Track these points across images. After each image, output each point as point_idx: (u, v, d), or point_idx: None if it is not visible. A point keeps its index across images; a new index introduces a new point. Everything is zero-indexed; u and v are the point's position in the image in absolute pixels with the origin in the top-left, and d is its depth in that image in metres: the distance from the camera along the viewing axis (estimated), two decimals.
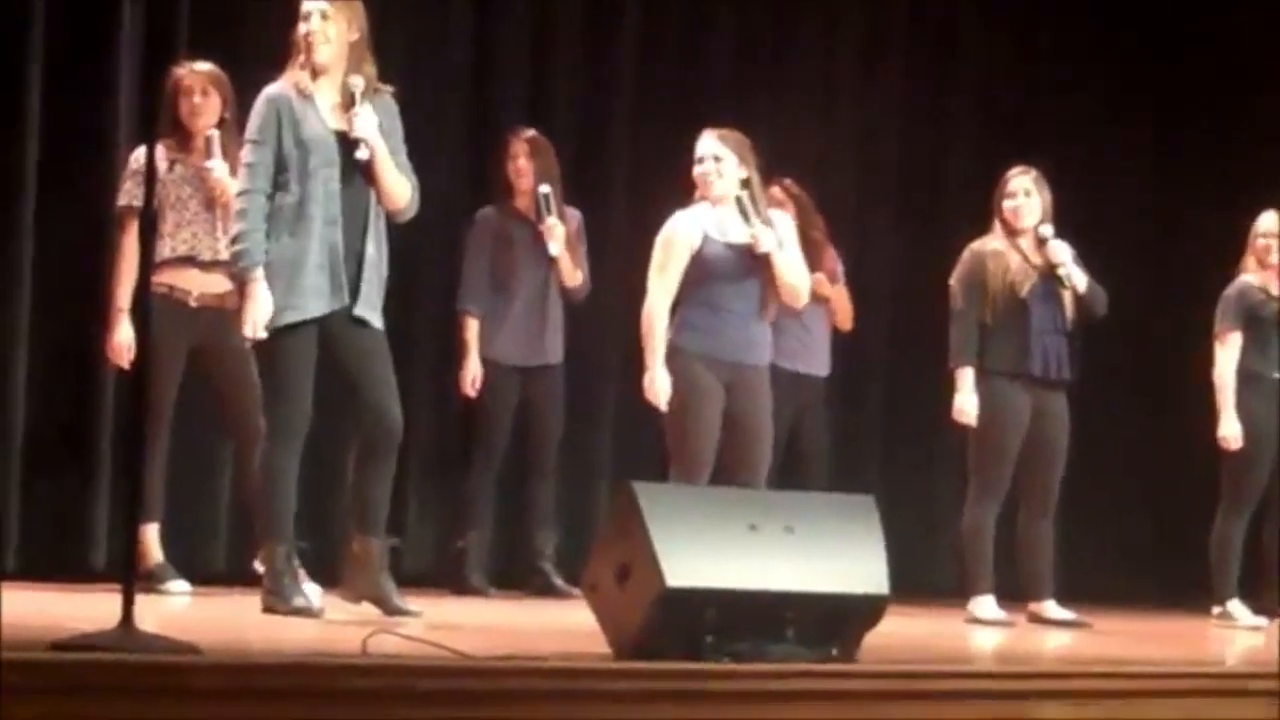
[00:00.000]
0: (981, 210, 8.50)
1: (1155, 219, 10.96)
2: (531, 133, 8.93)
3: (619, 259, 8.99)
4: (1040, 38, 11.10)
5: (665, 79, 9.96)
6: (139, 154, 7.65)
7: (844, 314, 9.48)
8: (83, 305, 8.07)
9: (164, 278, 7.66)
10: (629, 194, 9.57)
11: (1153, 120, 11.09)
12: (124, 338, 7.63)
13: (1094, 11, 11.11)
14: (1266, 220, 9.08)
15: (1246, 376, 8.89)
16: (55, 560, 7.98)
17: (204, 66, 7.82)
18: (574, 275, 8.87)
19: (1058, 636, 7.81)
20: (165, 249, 7.67)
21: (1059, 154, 9.44)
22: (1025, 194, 8.33)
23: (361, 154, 6.53)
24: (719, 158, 7.55)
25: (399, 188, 6.64)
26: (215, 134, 7.61)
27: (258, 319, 6.48)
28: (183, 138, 7.77)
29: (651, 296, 7.52)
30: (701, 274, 7.50)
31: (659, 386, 7.44)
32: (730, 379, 7.50)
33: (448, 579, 8.64)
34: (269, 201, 6.54)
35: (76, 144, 8.20)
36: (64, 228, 8.13)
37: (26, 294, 8.09)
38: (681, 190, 7.71)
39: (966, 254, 8.39)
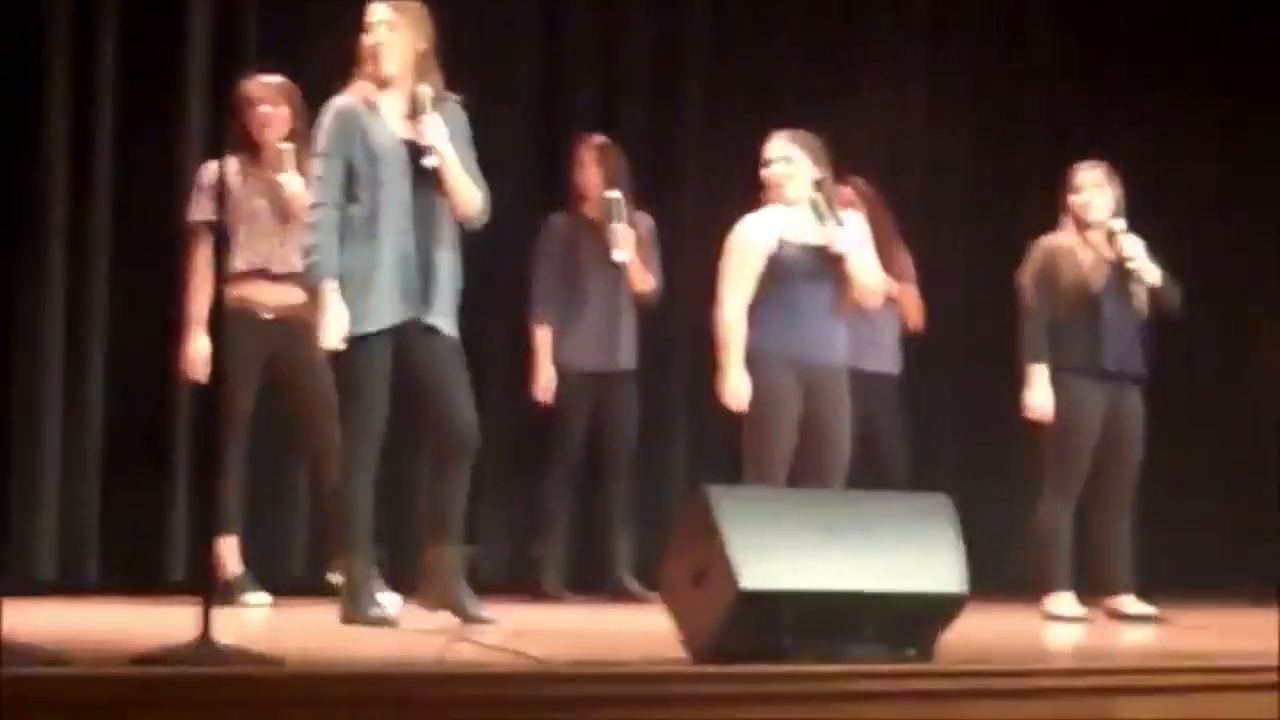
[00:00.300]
0: (1051, 206, 8.47)
1: (1226, 212, 10.89)
2: (600, 139, 8.94)
3: (691, 263, 8.96)
4: (1108, 31, 11.05)
5: (734, 81, 9.97)
6: (210, 168, 7.68)
7: (914, 313, 9.46)
8: (157, 319, 8.12)
9: (237, 290, 7.67)
10: (699, 198, 9.57)
11: (1222, 114, 11.02)
12: (199, 351, 7.66)
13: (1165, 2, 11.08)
14: None
15: None
16: (134, 573, 8.05)
17: (273, 78, 7.83)
18: (645, 280, 8.87)
19: (1137, 632, 7.78)
20: (238, 262, 7.70)
21: (1129, 148, 9.38)
22: (1096, 187, 8.30)
23: (430, 161, 6.55)
24: (790, 159, 7.54)
25: (469, 195, 6.66)
26: (288, 147, 7.61)
27: (333, 330, 6.50)
28: (253, 151, 7.79)
29: (725, 301, 7.51)
30: (777, 276, 7.49)
31: (738, 390, 7.43)
32: (809, 380, 7.50)
33: (524, 585, 8.67)
34: (340, 213, 6.56)
35: (147, 158, 8.26)
36: (137, 242, 8.20)
37: (102, 308, 8.14)
38: (752, 193, 7.71)
39: (1036, 250, 8.37)
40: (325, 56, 8.05)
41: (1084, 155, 8.50)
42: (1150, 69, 10.93)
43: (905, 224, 9.50)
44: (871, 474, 8.96)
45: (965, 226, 10.36)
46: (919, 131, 10.49)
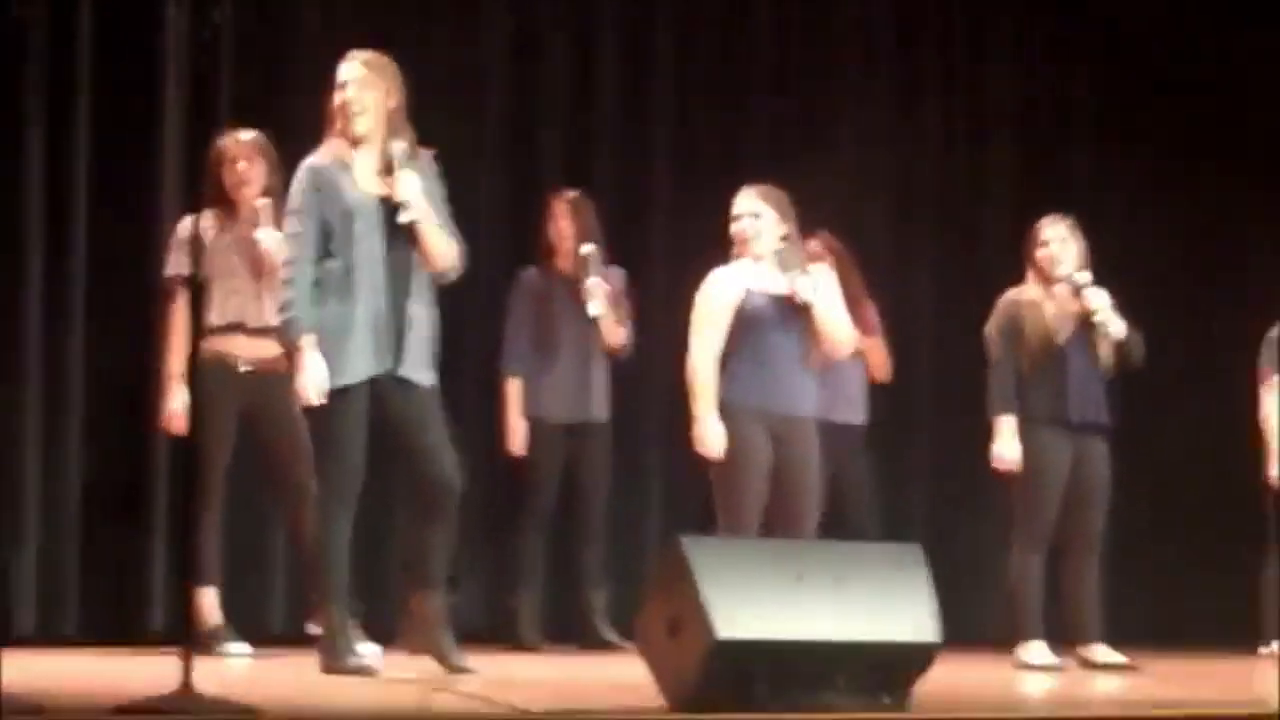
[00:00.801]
0: (1017, 260, 8.51)
1: (1193, 264, 10.93)
2: (573, 194, 8.96)
3: (661, 316, 9.00)
4: (1075, 86, 11.10)
5: (702, 136, 9.99)
6: (185, 224, 7.67)
7: (880, 365, 9.47)
8: (133, 372, 8.13)
9: (214, 344, 7.69)
10: (669, 251, 9.57)
11: (1184, 169, 11.06)
12: (178, 404, 7.66)
13: (1128, 58, 11.12)
14: None
15: None
16: (114, 624, 8.02)
17: (248, 134, 7.83)
18: (616, 334, 8.87)
19: (1108, 681, 7.78)
20: (214, 316, 7.72)
21: (1094, 201, 9.42)
22: (1060, 241, 8.33)
23: (404, 217, 6.56)
24: (758, 214, 7.57)
25: (443, 249, 6.66)
26: (264, 203, 7.61)
27: (312, 385, 6.51)
28: (229, 206, 7.79)
29: (695, 351, 7.53)
30: (746, 328, 7.51)
31: (712, 437, 7.44)
32: (779, 431, 7.51)
33: (501, 635, 8.65)
34: (315, 269, 6.58)
35: (122, 213, 8.25)
36: (113, 296, 8.19)
37: (78, 363, 8.13)
38: (721, 246, 7.74)
39: (1002, 303, 8.39)
40: (300, 111, 8.13)
41: (1049, 209, 8.55)
42: (1113, 125, 10.99)
43: (872, 277, 9.51)
44: (840, 524, 8.99)
45: (932, 280, 10.37)
46: (885, 186, 10.50)
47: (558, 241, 8.92)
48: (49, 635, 7.83)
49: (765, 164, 8.91)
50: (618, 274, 8.96)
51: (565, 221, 8.91)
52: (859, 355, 9.16)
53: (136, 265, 8.19)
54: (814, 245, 8.79)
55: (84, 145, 8.18)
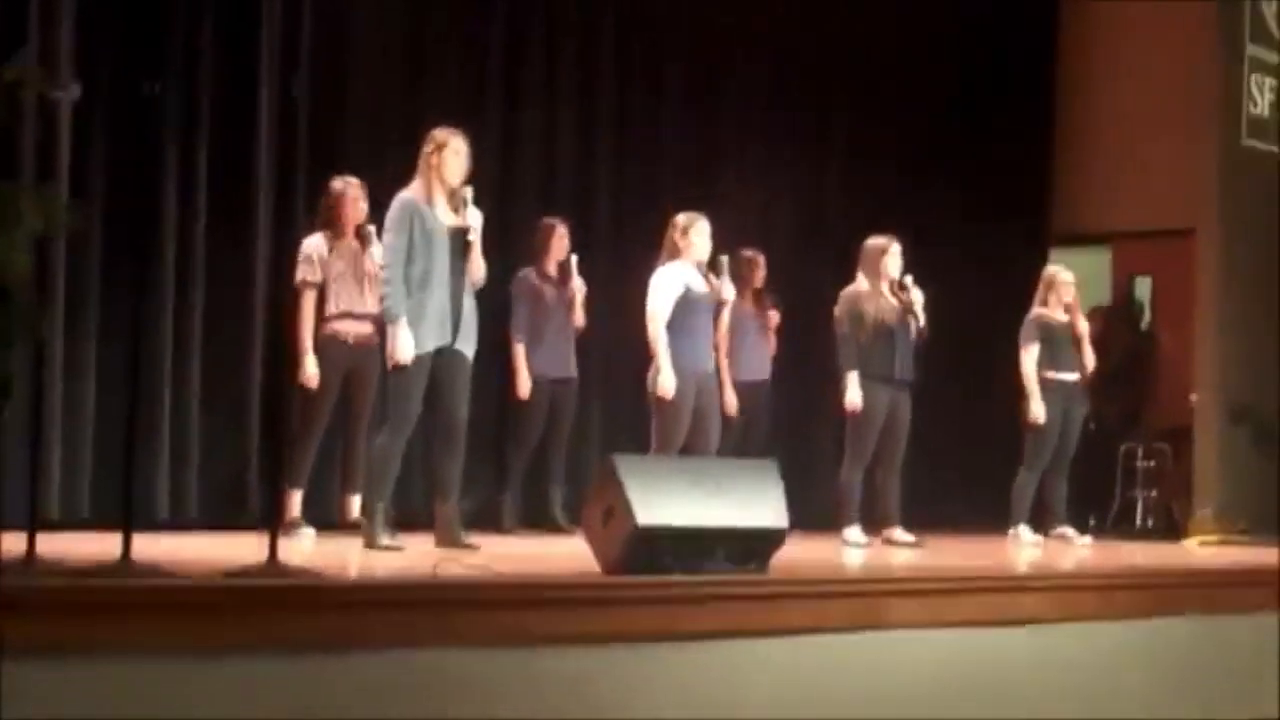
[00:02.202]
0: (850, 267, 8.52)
1: (976, 265, 10.94)
2: (559, 220, 8.92)
3: (603, 304, 9.03)
4: (893, 133, 11.06)
5: (633, 180, 9.92)
6: (307, 242, 7.71)
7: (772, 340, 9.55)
8: (237, 329, 8.12)
9: (329, 326, 7.74)
10: (612, 256, 9.52)
11: (966, 200, 11.09)
12: (312, 369, 7.69)
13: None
14: (1054, 270, 9.23)
15: (1042, 378, 8.96)
16: (223, 512, 7.96)
17: (352, 178, 7.83)
18: (580, 318, 8.87)
19: (904, 553, 7.85)
20: (330, 307, 7.75)
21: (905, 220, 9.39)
22: (894, 255, 8.35)
23: (472, 237, 6.70)
24: (691, 229, 7.67)
25: (479, 266, 6.76)
26: (370, 228, 7.57)
27: (405, 350, 6.57)
28: (338, 228, 7.78)
29: (655, 322, 7.57)
30: (682, 311, 7.58)
31: (668, 384, 7.50)
32: (698, 384, 7.58)
33: (491, 523, 8.63)
34: (404, 271, 6.62)
35: (229, 235, 8.16)
36: (220, 282, 8.11)
37: (198, 327, 8.07)
38: (651, 252, 7.75)
39: (845, 295, 8.40)
40: (360, 155, 8.12)
41: (878, 228, 8.56)
42: (917, 171, 10.98)
43: (775, 275, 9.53)
44: (749, 446, 8.98)
45: (804, 278, 10.22)
46: (786, 215, 10.46)
47: (550, 252, 8.85)
48: (178, 521, 7.76)
49: (691, 190, 8.91)
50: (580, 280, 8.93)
51: (557, 240, 8.87)
52: (768, 331, 9.25)
53: (237, 276, 8.15)
54: (747, 254, 8.90)
55: (203, 194, 8.11)
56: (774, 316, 9.52)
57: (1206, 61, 10.64)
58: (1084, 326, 9.11)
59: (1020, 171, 11.58)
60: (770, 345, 9.51)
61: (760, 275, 9.39)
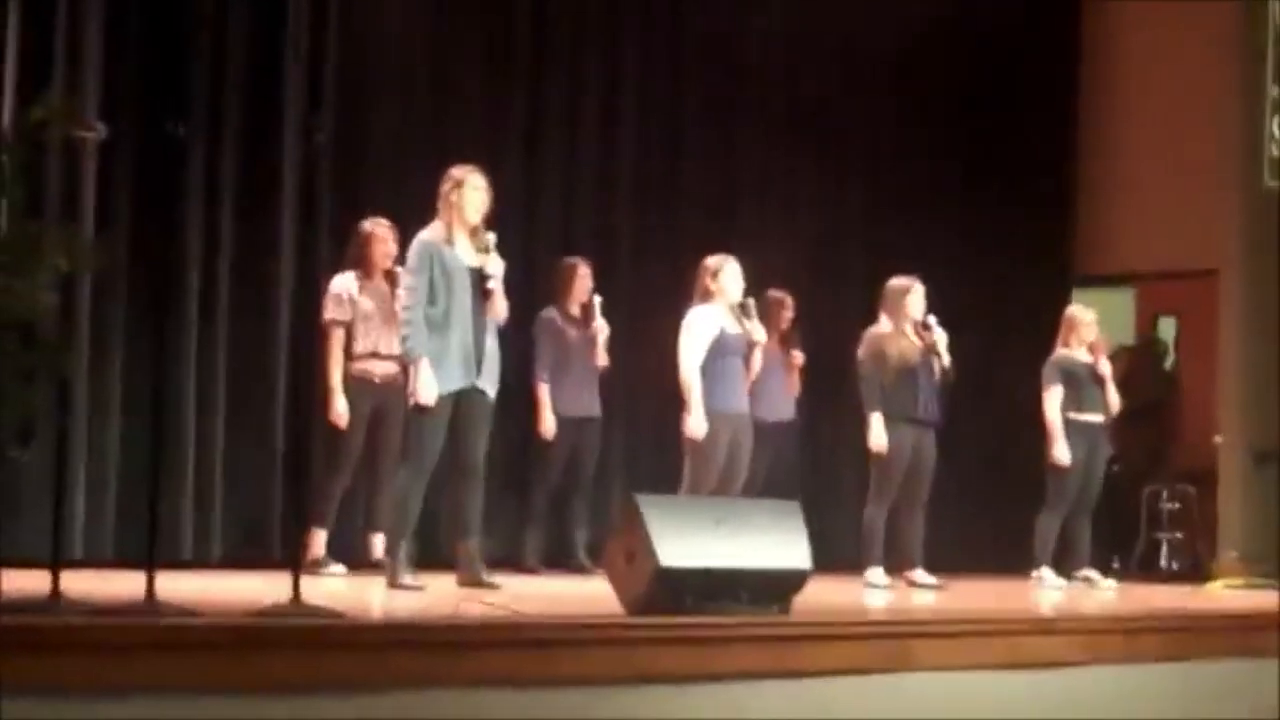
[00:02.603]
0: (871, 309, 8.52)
1: (1000, 306, 10.92)
2: (582, 262, 8.94)
3: (626, 344, 9.04)
4: (915, 173, 11.09)
5: (654, 220, 9.95)
6: (336, 281, 7.73)
7: (796, 383, 9.53)
8: (260, 366, 8.14)
9: (357, 365, 7.75)
10: (634, 296, 9.55)
11: (983, 249, 11.10)
12: (340, 407, 7.71)
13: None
14: (1075, 310, 9.21)
15: (1066, 419, 8.93)
16: (245, 551, 7.96)
17: (382, 220, 7.86)
18: (603, 358, 8.88)
19: (925, 596, 7.82)
20: (358, 346, 7.78)
21: (928, 261, 9.39)
22: (918, 295, 8.36)
23: (492, 284, 6.69)
24: (724, 272, 7.69)
25: (502, 305, 6.75)
26: (402, 270, 7.58)
27: (427, 391, 6.57)
28: (368, 268, 7.80)
29: (686, 364, 7.61)
30: (715, 352, 7.59)
31: (699, 425, 7.51)
32: (732, 425, 7.61)
33: (514, 562, 8.63)
34: (424, 312, 6.61)
35: (252, 275, 8.20)
36: (243, 318, 8.15)
37: (222, 361, 8.09)
38: (672, 292, 7.75)
39: (869, 336, 8.41)
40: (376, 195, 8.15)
41: (900, 268, 8.56)
42: (944, 207, 10.99)
43: (798, 314, 9.54)
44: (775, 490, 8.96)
45: (827, 318, 10.21)
46: (808, 255, 10.46)
47: (573, 294, 8.86)
48: (201, 560, 7.79)
49: (708, 237, 8.92)
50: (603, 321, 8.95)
51: (581, 281, 8.88)
52: (794, 371, 9.25)
53: (260, 309, 8.18)
54: (772, 294, 8.91)
55: (228, 222, 8.14)
56: (798, 357, 9.52)
57: (1229, 102, 10.63)
58: (1107, 367, 9.08)
59: (1043, 212, 11.58)
60: (794, 386, 9.51)
61: (787, 316, 9.40)
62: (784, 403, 9.34)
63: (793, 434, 9.46)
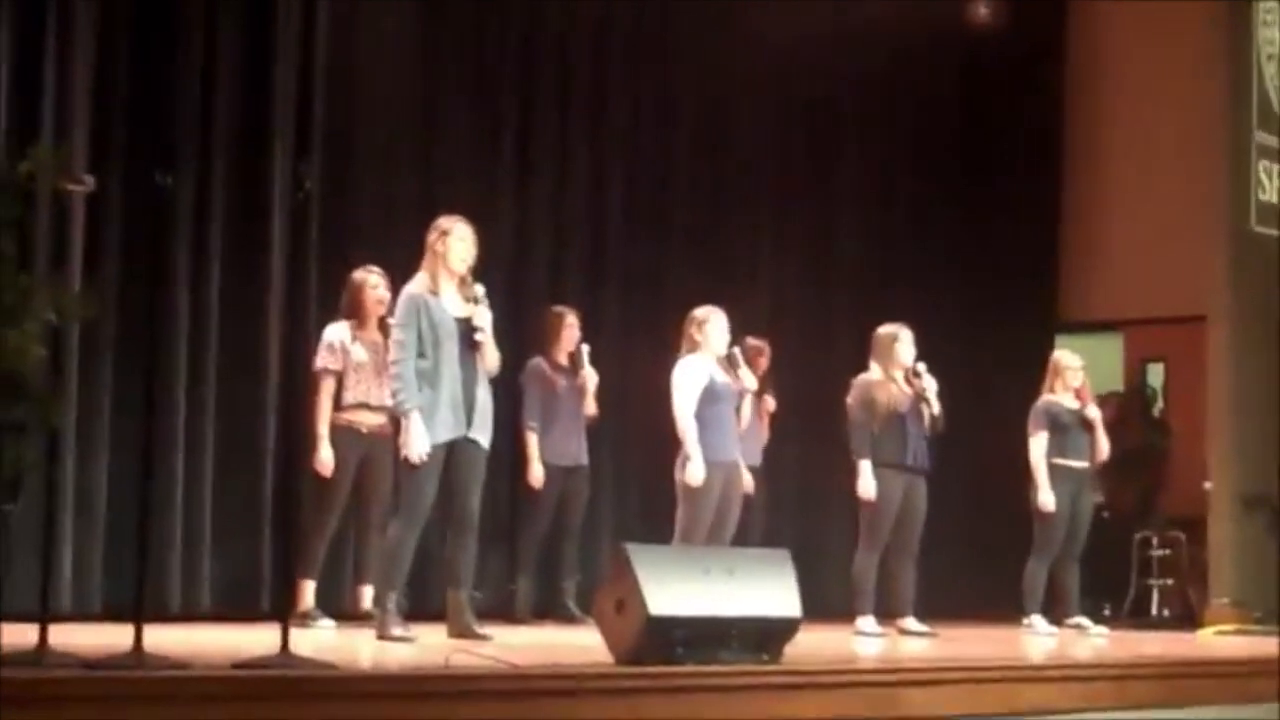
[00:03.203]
0: (861, 356, 8.54)
1: (986, 352, 10.95)
2: (570, 311, 8.95)
3: (614, 393, 9.05)
4: (899, 229, 11.16)
5: (642, 267, 9.98)
6: (329, 330, 7.74)
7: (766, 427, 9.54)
8: (248, 420, 8.12)
9: (346, 415, 7.74)
10: (622, 345, 9.57)
11: (969, 299, 11.14)
12: (325, 455, 7.69)
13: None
14: (1060, 355, 9.20)
15: (1051, 465, 8.94)
16: (234, 603, 7.95)
17: (374, 268, 7.87)
18: (592, 407, 8.88)
19: (916, 643, 7.81)
20: (347, 396, 7.77)
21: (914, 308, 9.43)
22: (907, 343, 8.38)
23: (480, 337, 6.67)
24: (709, 322, 7.75)
25: (493, 356, 6.74)
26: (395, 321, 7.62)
27: (419, 445, 6.55)
28: (361, 319, 7.82)
29: (682, 412, 7.62)
30: (706, 400, 7.61)
31: (698, 473, 7.53)
32: (723, 472, 7.62)
33: (504, 612, 8.61)
34: (414, 364, 6.61)
35: (241, 320, 8.22)
36: (233, 367, 8.15)
37: (210, 415, 8.09)
38: (659, 342, 7.76)
39: (858, 383, 8.41)
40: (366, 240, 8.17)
41: (886, 316, 8.59)
42: (929, 255, 11.05)
43: (784, 361, 9.55)
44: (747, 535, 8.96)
45: (813, 365, 10.29)
46: (797, 301, 10.52)
47: (560, 342, 8.86)
48: (189, 611, 7.77)
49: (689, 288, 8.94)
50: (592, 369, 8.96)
51: (567, 330, 8.89)
52: (768, 416, 9.27)
53: (247, 357, 8.17)
54: (751, 341, 8.93)
55: (215, 272, 8.16)
56: (770, 403, 9.52)
57: (1215, 148, 10.70)
58: (1096, 413, 9.11)
59: (1030, 258, 11.65)
60: (764, 434, 9.50)
61: (764, 364, 9.40)
62: (753, 449, 9.28)
63: (762, 479, 9.43)
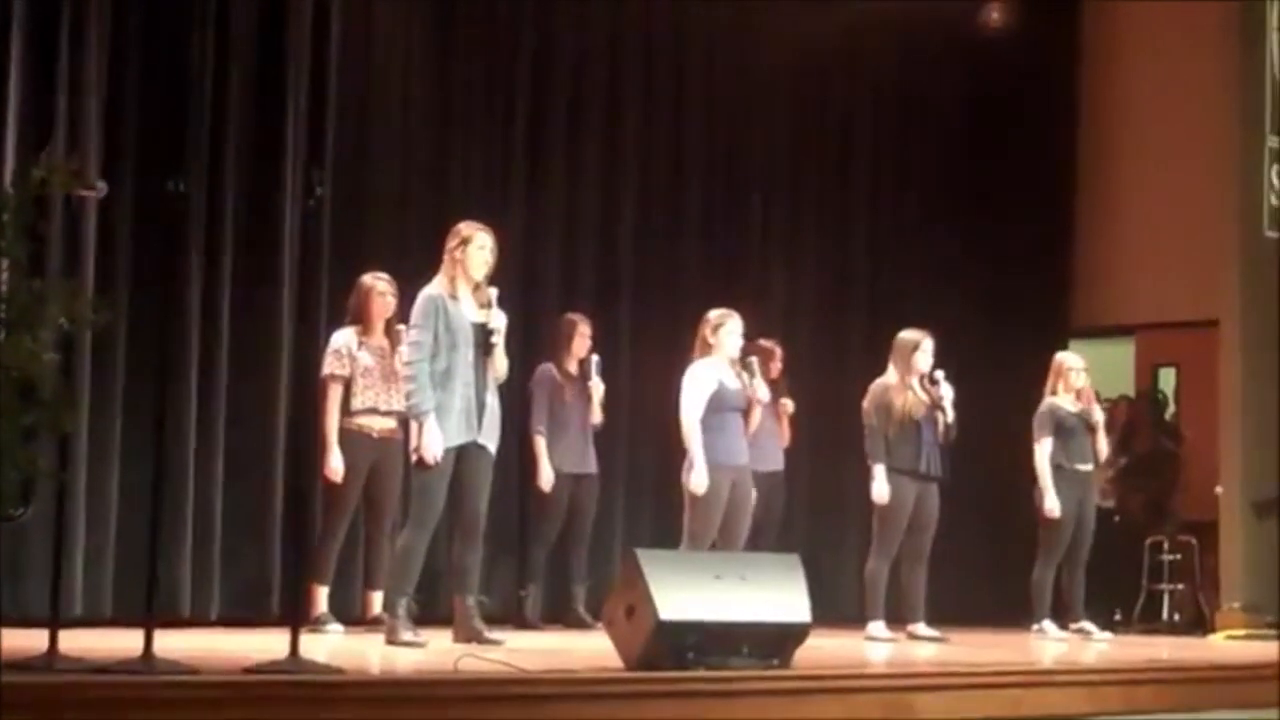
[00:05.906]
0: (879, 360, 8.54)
1: (998, 359, 10.95)
2: (582, 318, 8.95)
3: (625, 399, 9.04)
4: (912, 233, 11.14)
5: (655, 275, 9.98)
6: (337, 336, 7.74)
7: (786, 433, 9.51)
8: (256, 420, 8.14)
9: (356, 420, 7.74)
10: (634, 351, 9.57)
11: (985, 309, 11.12)
12: (336, 463, 7.70)
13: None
14: (1063, 357, 9.17)
15: (1056, 468, 8.93)
16: (245, 609, 7.96)
17: (383, 275, 7.87)
18: (599, 414, 8.88)
19: (926, 649, 7.81)
20: (356, 402, 7.76)
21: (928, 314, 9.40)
22: (926, 350, 8.37)
23: (495, 339, 6.69)
24: (723, 326, 7.72)
25: (502, 362, 6.76)
26: (403, 328, 7.46)
27: (434, 447, 6.57)
28: (368, 324, 7.82)
29: (688, 416, 7.60)
30: (715, 406, 7.61)
31: (702, 479, 7.52)
32: (732, 477, 7.62)
33: (514, 617, 8.61)
34: (428, 366, 6.62)
35: (253, 327, 8.23)
36: (244, 372, 8.16)
37: (221, 415, 8.10)
38: (672, 347, 7.75)
39: (874, 388, 8.39)
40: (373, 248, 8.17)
41: (900, 321, 8.58)
42: (943, 261, 11.03)
43: (799, 366, 9.51)
44: (762, 539, 8.96)
45: (828, 370, 10.29)
46: (810, 307, 10.52)
47: (571, 350, 8.84)
48: (198, 617, 7.78)
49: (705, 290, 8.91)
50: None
51: (579, 338, 8.88)
52: (782, 422, 9.24)
53: (264, 357, 8.18)
54: (763, 343, 8.91)
55: (227, 278, 8.17)
56: (788, 405, 9.51)
57: (1228, 152, 10.68)
58: (1099, 415, 9.09)
59: (1042, 264, 11.62)
60: (785, 436, 9.50)
61: (776, 365, 9.37)
62: (773, 453, 9.29)
63: (781, 484, 9.44)
